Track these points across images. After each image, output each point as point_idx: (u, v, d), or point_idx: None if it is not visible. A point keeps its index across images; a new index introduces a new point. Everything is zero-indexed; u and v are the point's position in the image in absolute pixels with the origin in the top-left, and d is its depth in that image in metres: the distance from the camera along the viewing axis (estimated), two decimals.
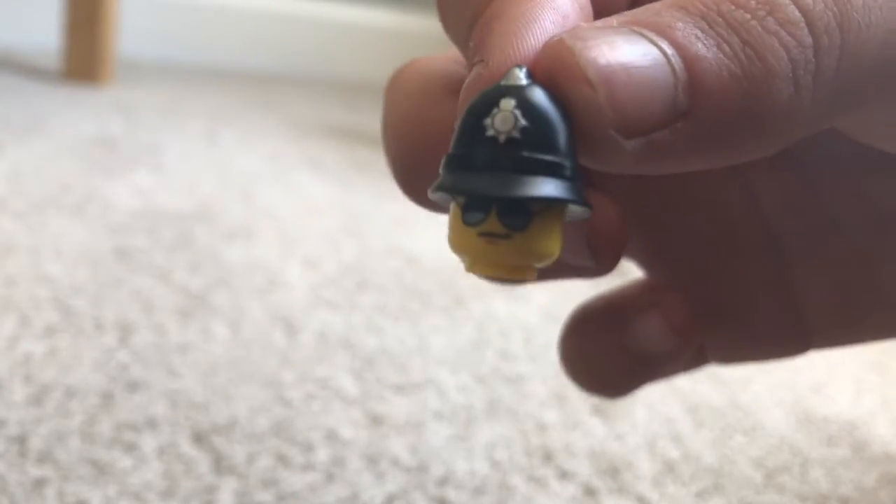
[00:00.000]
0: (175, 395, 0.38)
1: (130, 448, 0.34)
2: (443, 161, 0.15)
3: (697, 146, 0.14)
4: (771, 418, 0.45)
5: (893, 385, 0.52)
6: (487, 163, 0.14)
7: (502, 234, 0.15)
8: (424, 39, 1.29)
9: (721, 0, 0.14)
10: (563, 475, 0.37)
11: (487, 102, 0.14)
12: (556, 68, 0.14)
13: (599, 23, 0.14)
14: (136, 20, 1.11)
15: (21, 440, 0.34)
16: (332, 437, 0.37)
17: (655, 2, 0.15)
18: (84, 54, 0.94)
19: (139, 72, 1.05)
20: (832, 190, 0.21)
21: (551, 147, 0.14)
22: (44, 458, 0.33)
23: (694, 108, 0.14)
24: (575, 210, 0.15)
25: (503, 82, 0.14)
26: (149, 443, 0.35)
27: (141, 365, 0.41)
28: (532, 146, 0.14)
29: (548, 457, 0.38)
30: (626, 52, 0.14)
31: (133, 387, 0.39)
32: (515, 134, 0.14)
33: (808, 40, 0.14)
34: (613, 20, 0.14)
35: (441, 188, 0.15)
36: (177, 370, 0.41)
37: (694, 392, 0.46)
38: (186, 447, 0.35)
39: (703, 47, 0.14)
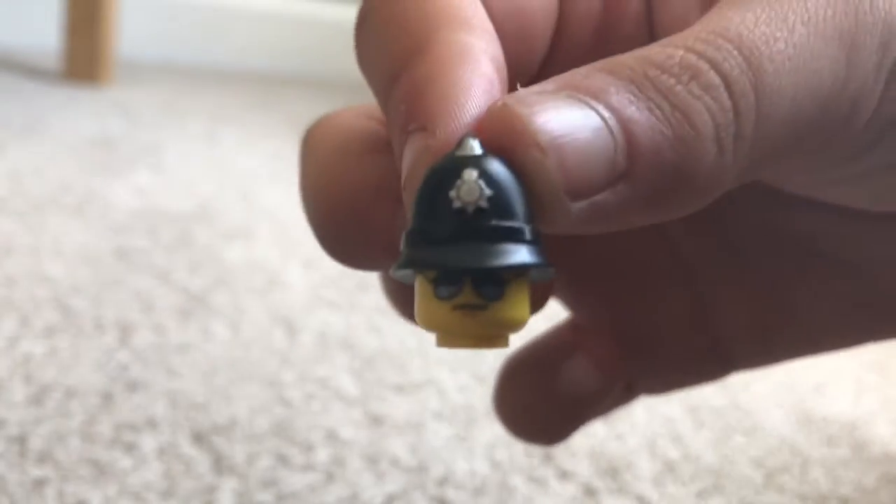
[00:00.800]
0: (175, 395, 0.38)
1: (130, 448, 0.35)
2: (404, 237, 0.15)
3: (635, 206, 0.15)
4: (771, 418, 0.45)
5: (893, 385, 0.52)
6: (457, 235, 0.14)
7: (479, 305, 0.15)
8: None
9: (646, 65, 0.15)
10: (563, 475, 0.37)
11: (448, 174, 0.14)
12: (507, 135, 0.14)
13: (536, 88, 0.15)
14: (136, 20, 1.11)
15: (21, 440, 0.34)
16: (332, 437, 0.37)
17: (580, 67, 0.15)
18: (84, 54, 0.94)
19: (139, 72, 1.05)
20: (741, 224, 0.21)
21: (515, 214, 0.14)
22: (44, 458, 0.33)
23: (632, 170, 0.14)
24: (539, 273, 0.15)
25: (458, 153, 0.14)
26: (149, 443, 0.35)
27: (141, 365, 0.41)
28: (499, 215, 0.14)
29: (548, 457, 0.38)
30: (569, 117, 0.14)
31: (133, 387, 0.39)
32: (483, 204, 0.14)
33: (728, 104, 0.14)
34: (549, 85, 0.15)
35: (412, 265, 0.15)
36: (177, 370, 0.41)
37: (694, 392, 0.46)
38: (186, 447, 0.35)
39: (636, 111, 0.14)
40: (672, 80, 0.14)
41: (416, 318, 0.15)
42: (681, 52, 0.15)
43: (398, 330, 0.48)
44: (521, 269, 0.15)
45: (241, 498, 0.33)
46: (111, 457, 0.34)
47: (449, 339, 0.15)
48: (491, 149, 0.14)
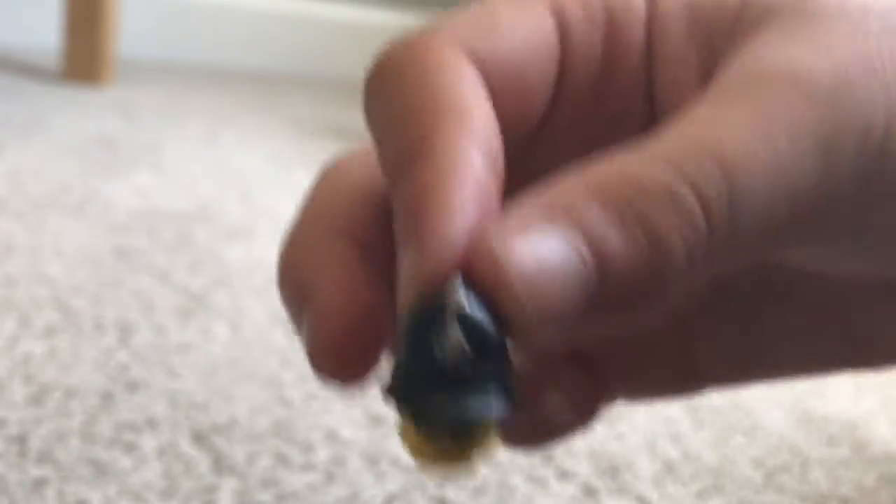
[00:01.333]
0: (175, 395, 0.38)
1: (130, 448, 0.35)
2: (393, 366, 0.17)
3: (604, 321, 0.16)
4: (771, 418, 0.45)
5: (893, 385, 0.52)
6: (436, 382, 0.16)
7: (449, 443, 0.17)
8: None
9: (631, 188, 0.16)
10: (563, 475, 0.37)
11: (433, 325, 0.16)
12: (485, 276, 0.15)
13: (520, 212, 0.16)
14: (136, 20, 1.11)
15: (21, 440, 0.34)
16: (332, 437, 0.37)
17: (572, 177, 0.16)
18: (84, 54, 0.94)
19: (139, 72, 1.05)
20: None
21: (492, 362, 0.16)
22: (44, 458, 0.33)
23: (602, 294, 0.16)
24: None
25: (445, 300, 0.16)
26: (149, 443, 0.35)
27: (141, 365, 0.41)
28: (476, 366, 0.16)
29: (548, 457, 0.38)
30: (543, 251, 0.15)
31: (133, 387, 0.39)
32: (461, 358, 0.16)
33: (704, 226, 0.16)
34: (534, 207, 0.16)
35: (396, 401, 0.16)
36: (177, 370, 0.41)
37: None
38: (186, 447, 0.35)
39: (613, 239, 0.15)
40: (652, 208, 0.15)
41: (398, 436, 0.17)
42: (666, 176, 0.16)
43: None
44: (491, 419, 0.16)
45: (241, 498, 0.33)
46: (111, 457, 0.34)
47: (423, 464, 0.17)
48: (473, 282, 0.16)
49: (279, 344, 0.45)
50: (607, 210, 0.15)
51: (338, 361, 0.18)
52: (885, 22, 0.18)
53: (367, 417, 0.39)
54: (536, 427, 0.23)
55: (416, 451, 0.17)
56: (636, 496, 0.37)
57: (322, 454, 0.36)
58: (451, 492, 0.35)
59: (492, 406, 0.16)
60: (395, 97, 0.18)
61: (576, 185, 0.16)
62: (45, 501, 0.31)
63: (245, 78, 1.14)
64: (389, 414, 0.40)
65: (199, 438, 0.36)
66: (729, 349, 0.23)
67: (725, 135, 0.16)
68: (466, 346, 0.16)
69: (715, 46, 0.19)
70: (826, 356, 0.22)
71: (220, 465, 0.34)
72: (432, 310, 0.16)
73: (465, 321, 0.16)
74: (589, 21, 0.20)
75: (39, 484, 0.32)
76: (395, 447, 0.37)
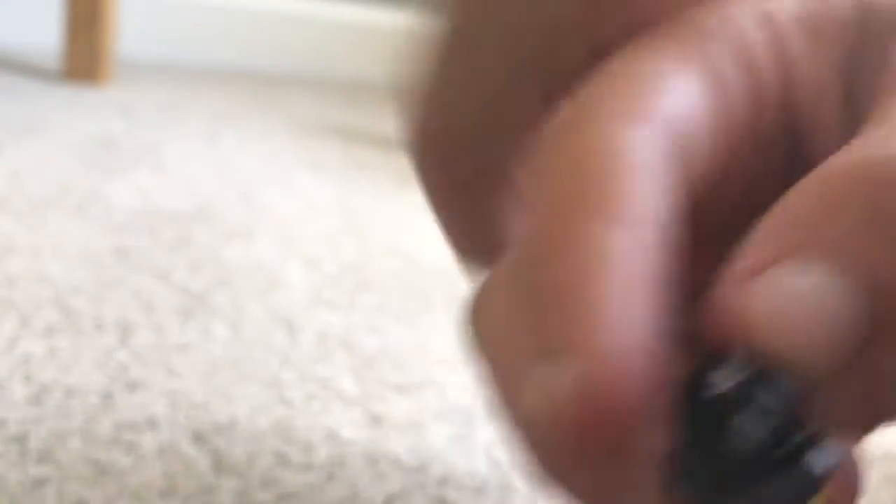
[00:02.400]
0: (175, 395, 0.38)
1: (130, 448, 0.35)
2: (682, 450, 0.13)
3: (882, 350, 0.13)
4: None
5: None
6: (746, 480, 0.12)
7: None
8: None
9: (869, 184, 0.13)
10: None
11: (712, 413, 0.12)
12: (733, 334, 0.13)
13: (754, 259, 0.13)
14: (136, 20, 1.11)
15: (21, 440, 0.34)
16: (332, 437, 0.37)
17: (794, 197, 0.14)
18: (84, 54, 0.94)
19: (139, 72, 1.05)
20: None
21: (795, 427, 0.13)
22: (44, 458, 0.33)
23: (877, 313, 0.13)
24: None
25: (716, 389, 0.12)
26: (149, 443, 0.35)
27: (141, 365, 0.41)
28: (789, 443, 0.12)
29: None
30: (789, 283, 0.13)
31: (133, 387, 0.39)
32: (762, 441, 0.12)
33: None
34: (769, 246, 0.13)
35: (695, 488, 0.13)
36: (177, 370, 0.41)
37: None
38: (186, 447, 0.35)
39: (874, 250, 0.13)
40: None
41: None
42: None
43: (398, 330, 0.48)
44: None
45: (241, 498, 0.33)
46: (111, 457, 0.34)
47: None
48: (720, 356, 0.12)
49: (279, 344, 0.45)
50: (853, 218, 0.13)
51: (604, 430, 0.13)
52: None
53: (367, 417, 0.39)
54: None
55: None
56: None
57: (322, 454, 0.36)
58: (450, 492, 0.35)
59: (821, 462, 0.13)
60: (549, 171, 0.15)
61: (804, 203, 0.13)
62: (45, 501, 0.31)
63: (245, 78, 1.14)
64: (389, 414, 0.40)
65: (199, 438, 0.36)
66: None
67: None
68: (767, 427, 0.12)
69: (849, 68, 0.17)
70: None
71: (220, 465, 0.34)
72: (693, 403, 0.13)
73: (753, 401, 0.12)
74: (737, 72, 0.17)
75: (39, 484, 0.32)
76: (396, 447, 0.37)
